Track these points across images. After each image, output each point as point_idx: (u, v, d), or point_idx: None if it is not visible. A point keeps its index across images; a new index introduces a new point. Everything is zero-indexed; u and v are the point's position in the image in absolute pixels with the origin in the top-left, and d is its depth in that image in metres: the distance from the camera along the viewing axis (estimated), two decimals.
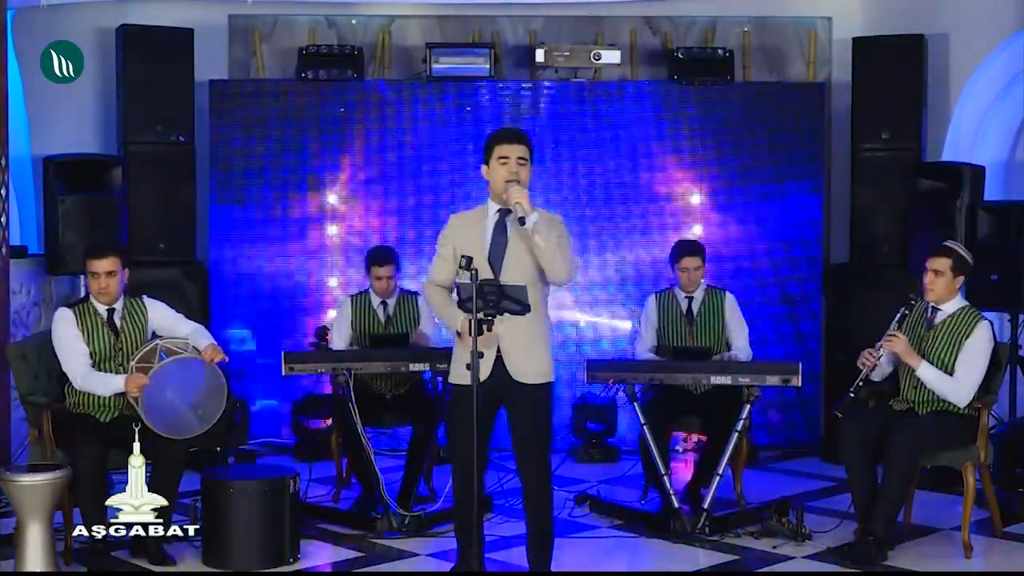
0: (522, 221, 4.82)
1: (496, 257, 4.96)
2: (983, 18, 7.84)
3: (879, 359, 5.69)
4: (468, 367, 4.65)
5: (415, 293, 6.82)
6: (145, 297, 5.84)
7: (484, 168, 5.03)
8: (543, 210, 5.12)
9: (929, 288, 5.70)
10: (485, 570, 5.05)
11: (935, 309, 5.74)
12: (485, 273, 4.88)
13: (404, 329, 6.65)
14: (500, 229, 5.01)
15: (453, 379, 5.02)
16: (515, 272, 4.92)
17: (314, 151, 8.02)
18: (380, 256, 6.69)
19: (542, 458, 5.04)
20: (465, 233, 5.04)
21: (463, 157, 8.00)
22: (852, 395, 5.66)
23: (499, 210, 5.02)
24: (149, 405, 5.44)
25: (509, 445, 5.11)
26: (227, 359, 5.71)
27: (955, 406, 5.65)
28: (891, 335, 5.66)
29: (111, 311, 5.69)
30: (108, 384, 5.55)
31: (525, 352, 4.95)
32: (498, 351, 4.93)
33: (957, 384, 5.61)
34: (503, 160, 4.95)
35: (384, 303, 6.68)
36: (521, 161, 4.96)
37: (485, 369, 4.90)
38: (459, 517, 5.06)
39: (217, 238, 7.97)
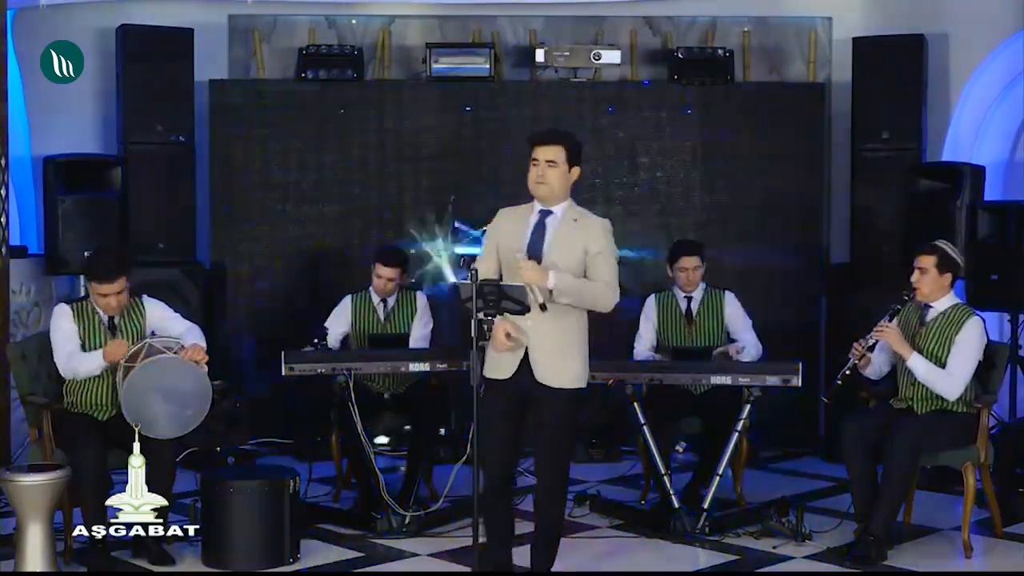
0: (543, 307, 4.77)
1: (534, 257, 4.91)
2: (983, 18, 7.84)
3: (869, 349, 5.70)
4: (472, 365, 4.68)
5: (415, 289, 6.82)
6: (144, 296, 5.83)
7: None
8: (585, 212, 5.08)
9: (915, 286, 5.72)
10: (509, 559, 5.07)
11: (927, 307, 5.75)
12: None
13: (403, 326, 6.65)
14: (539, 229, 4.99)
15: (485, 372, 4.94)
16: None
17: (314, 151, 8.02)
18: (388, 256, 6.69)
19: (557, 463, 5.01)
20: (508, 229, 5.03)
21: (463, 157, 8.00)
22: (839, 382, 5.69)
23: (540, 211, 5.01)
24: (130, 405, 5.42)
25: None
26: (206, 359, 5.58)
27: (954, 405, 5.66)
28: (881, 326, 5.67)
29: (111, 316, 5.68)
30: (90, 361, 5.52)
31: (552, 355, 4.91)
32: (527, 351, 4.90)
33: (948, 376, 5.62)
34: (534, 162, 4.96)
35: (384, 301, 6.69)
36: (551, 163, 4.92)
37: (510, 367, 4.91)
38: (483, 510, 4.98)
39: (217, 238, 7.97)
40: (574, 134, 5.12)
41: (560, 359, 4.93)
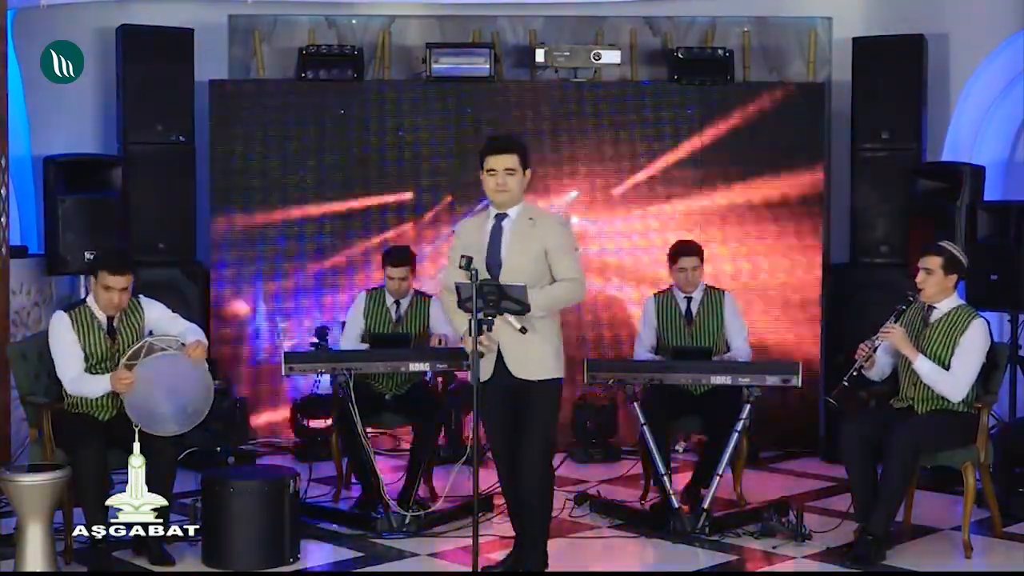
0: (523, 330, 4.91)
1: (493, 261, 5.06)
2: (983, 18, 7.84)
3: (875, 350, 5.70)
4: (468, 365, 4.75)
5: (429, 296, 6.78)
6: (141, 297, 5.83)
7: (481, 174, 5.14)
8: (540, 211, 5.27)
9: (920, 286, 5.72)
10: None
11: (931, 307, 5.76)
12: (483, 276, 4.95)
13: (414, 330, 6.64)
14: (496, 234, 5.11)
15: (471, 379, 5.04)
16: (512, 275, 4.99)
17: (314, 151, 8.02)
18: (395, 257, 6.68)
19: (536, 455, 5.07)
20: (469, 238, 5.16)
21: (463, 157, 7.99)
22: (846, 383, 5.68)
23: (496, 215, 5.13)
24: (133, 403, 5.43)
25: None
26: (205, 354, 5.65)
27: (954, 404, 5.66)
28: (887, 327, 5.68)
29: (111, 316, 5.68)
30: (97, 385, 5.55)
31: (524, 350, 5.00)
32: (500, 350, 5.02)
33: (953, 378, 5.62)
34: (491, 172, 5.08)
35: (397, 303, 6.68)
36: (509, 171, 5.06)
37: (488, 368, 5.02)
38: (506, 501, 5.35)
39: (217, 238, 7.97)
40: (521, 137, 5.27)
41: (530, 352, 5.02)
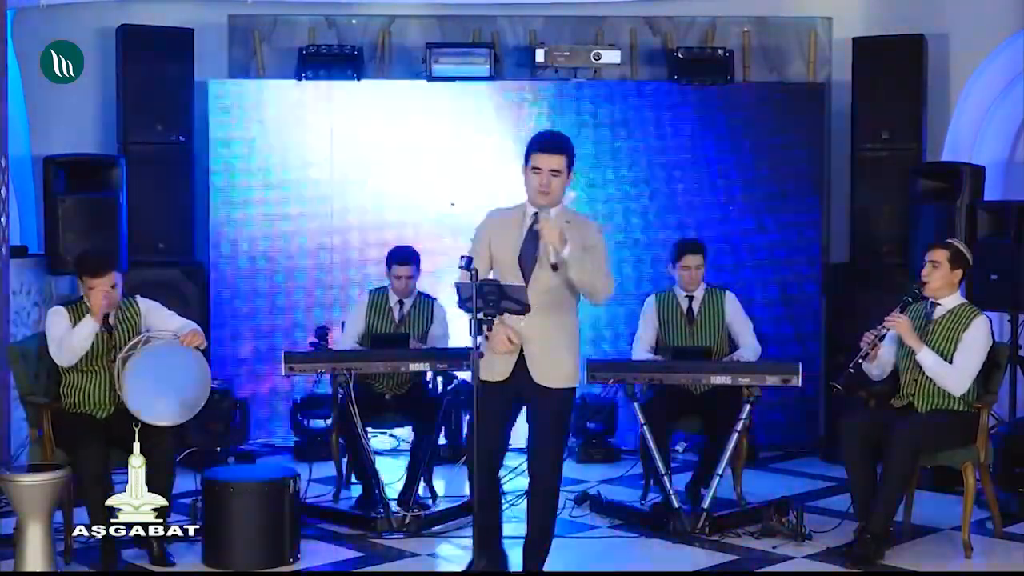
0: (555, 267, 4.80)
1: (527, 260, 4.95)
2: (983, 18, 7.85)
3: (881, 338, 5.71)
4: (468, 365, 4.69)
5: (433, 298, 6.78)
6: (138, 297, 5.83)
7: (523, 168, 5.01)
8: (577, 214, 5.19)
9: (926, 279, 5.73)
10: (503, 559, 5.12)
11: (934, 304, 5.76)
12: (515, 274, 4.90)
13: (416, 331, 6.64)
14: (532, 232, 4.98)
15: (482, 376, 4.93)
16: (545, 277, 4.90)
17: (314, 152, 8.01)
18: (401, 256, 6.68)
19: (553, 461, 5.04)
20: (501, 231, 5.04)
21: (463, 158, 7.99)
22: (851, 370, 5.70)
23: (535, 213, 5.00)
24: (131, 389, 5.43)
25: (518, 444, 5.18)
26: (204, 344, 5.67)
27: (954, 404, 5.67)
28: (893, 317, 5.69)
29: (106, 313, 5.68)
30: (83, 328, 5.52)
31: (549, 355, 4.94)
32: (521, 352, 4.93)
33: (956, 371, 5.63)
34: (536, 170, 4.93)
35: (401, 302, 6.68)
36: (555, 172, 4.91)
37: (506, 369, 4.94)
38: (476, 511, 4.96)
39: (217, 238, 7.97)
40: (569, 138, 5.11)
41: (555, 359, 4.96)
